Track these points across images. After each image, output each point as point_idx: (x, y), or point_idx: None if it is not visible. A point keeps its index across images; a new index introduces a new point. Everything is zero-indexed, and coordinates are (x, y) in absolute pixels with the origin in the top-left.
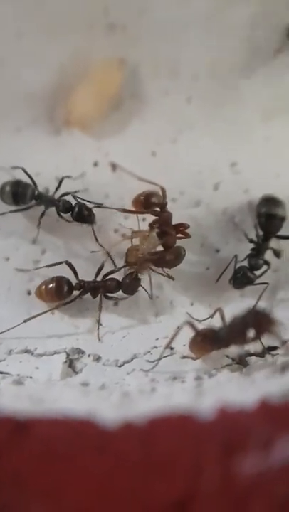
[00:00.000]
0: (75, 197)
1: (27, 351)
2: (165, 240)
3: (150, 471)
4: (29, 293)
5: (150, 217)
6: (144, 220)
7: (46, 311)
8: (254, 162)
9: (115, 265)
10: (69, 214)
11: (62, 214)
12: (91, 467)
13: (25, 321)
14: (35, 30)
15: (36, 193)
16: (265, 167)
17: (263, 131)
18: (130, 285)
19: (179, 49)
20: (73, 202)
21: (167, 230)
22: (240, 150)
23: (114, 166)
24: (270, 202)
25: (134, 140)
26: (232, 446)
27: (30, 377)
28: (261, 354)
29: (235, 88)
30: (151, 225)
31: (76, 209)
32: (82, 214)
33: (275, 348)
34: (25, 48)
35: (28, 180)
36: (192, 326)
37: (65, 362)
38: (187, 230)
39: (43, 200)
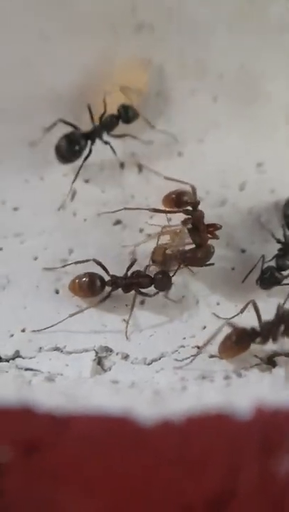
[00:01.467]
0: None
1: (56, 349)
2: (198, 238)
3: (188, 468)
4: (57, 292)
5: (176, 218)
6: (170, 220)
7: (87, 308)
8: (280, 162)
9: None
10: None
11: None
12: (128, 464)
13: (70, 316)
14: (60, 31)
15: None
16: None
17: (288, 132)
18: (162, 281)
19: (206, 48)
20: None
21: (200, 228)
22: (266, 149)
23: (140, 167)
24: None
25: (160, 140)
26: (270, 446)
27: (61, 375)
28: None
29: (262, 87)
30: (183, 222)
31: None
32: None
33: None
34: (50, 49)
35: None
36: (232, 326)
37: (94, 360)
38: (217, 232)
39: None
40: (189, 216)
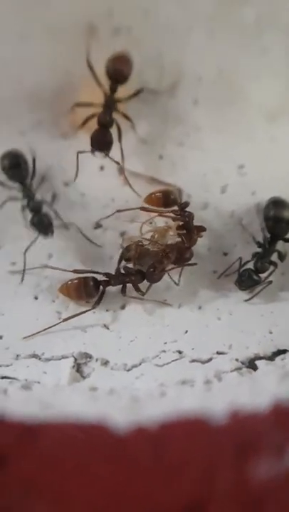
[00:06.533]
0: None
1: (34, 356)
2: (189, 240)
3: (163, 475)
4: (36, 298)
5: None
6: (151, 223)
7: (84, 312)
8: (261, 164)
9: None
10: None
11: (27, 211)
12: (102, 472)
13: (64, 320)
14: (39, 32)
15: (28, 181)
16: (272, 169)
17: (269, 132)
18: (154, 273)
19: (184, 51)
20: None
21: (192, 229)
22: (247, 152)
23: (120, 170)
24: (278, 205)
25: (140, 143)
26: (245, 450)
27: (38, 382)
28: (271, 358)
29: (242, 89)
30: (174, 220)
31: (38, 216)
32: (41, 222)
33: (284, 352)
34: (29, 50)
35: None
36: None
37: (73, 366)
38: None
39: (27, 187)
40: (180, 216)
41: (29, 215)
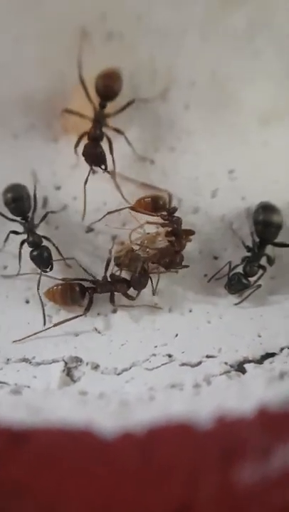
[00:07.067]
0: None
1: (25, 360)
2: (178, 244)
3: (149, 480)
4: (27, 302)
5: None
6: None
7: (76, 317)
8: (251, 169)
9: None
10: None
11: (27, 244)
12: (90, 477)
13: (55, 325)
14: (33, 36)
15: (30, 214)
16: (262, 173)
17: (260, 137)
18: (140, 280)
19: (177, 55)
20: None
21: (180, 234)
22: (237, 156)
23: (112, 174)
24: (267, 209)
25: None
26: (230, 455)
27: (28, 387)
28: (259, 361)
29: (235, 93)
30: (163, 226)
31: (38, 251)
32: (41, 257)
33: (273, 355)
34: (23, 54)
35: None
36: None
37: (63, 370)
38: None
39: (29, 221)
40: (168, 221)
41: (29, 249)
